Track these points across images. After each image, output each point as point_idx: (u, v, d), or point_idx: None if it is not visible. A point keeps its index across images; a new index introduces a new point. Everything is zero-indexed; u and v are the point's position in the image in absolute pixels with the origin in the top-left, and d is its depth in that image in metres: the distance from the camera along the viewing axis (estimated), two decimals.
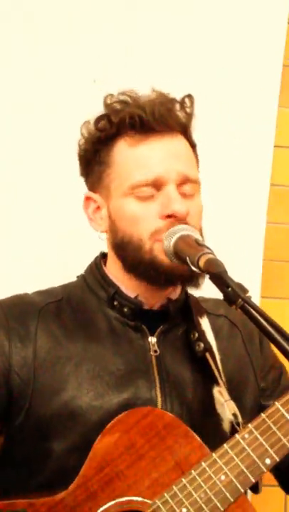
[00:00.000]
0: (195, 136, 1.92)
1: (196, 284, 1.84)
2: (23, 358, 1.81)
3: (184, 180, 1.84)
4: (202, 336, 1.88)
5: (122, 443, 1.71)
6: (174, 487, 1.67)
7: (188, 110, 1.88)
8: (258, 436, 1.69)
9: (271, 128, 2.50)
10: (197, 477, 1.67)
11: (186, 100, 1.88)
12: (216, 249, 1.75)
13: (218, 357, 1.88)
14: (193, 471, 1.68)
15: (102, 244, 1.94)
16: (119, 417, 1.72)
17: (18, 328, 1.83)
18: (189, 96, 1.89)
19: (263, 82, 2.51)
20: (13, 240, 2.39)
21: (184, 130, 1.88)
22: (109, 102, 1.88)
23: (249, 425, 1.70)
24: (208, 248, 1.73)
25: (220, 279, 1.65)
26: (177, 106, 1.87)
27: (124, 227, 1.84)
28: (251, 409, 1.88)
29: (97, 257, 1.96)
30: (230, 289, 1.64)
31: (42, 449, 1.77)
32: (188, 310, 1.91)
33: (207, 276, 1.72)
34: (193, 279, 1.83)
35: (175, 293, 1.91)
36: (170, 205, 1.80)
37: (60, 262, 2.35)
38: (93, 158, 1.88)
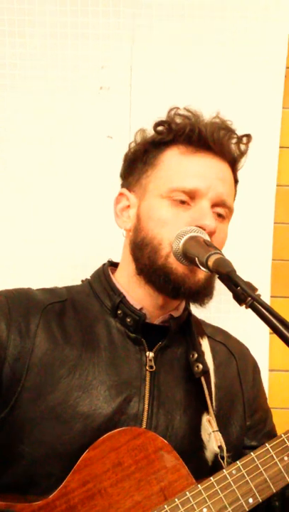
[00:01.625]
0: None
1: (202, 302, 1.85)
2: (18, 353, 1.78)
3: (220, 203, 1.86)
4: (202, 358, 1.87)
5: (110, 460, 1.69)
6: None
7: (242, 148, 1.91)
8: (245, 474, 1.70)
9: (276, 129, 2.53)
10: (180, 506, 1.67)
11: (244, 139, 1.91)
12: (224, 251, 1.77)
13: (213, 381, 1.88)
14: (176, 499, 1.68)
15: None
16: (111, 433, 1.71)
17: (20, 322, 1.80)
18: (248, 135, 1.92)
19: (267, 84, 2.53)
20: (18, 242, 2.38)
21: (233, 163, 1.90)
22: (172, 113, 1.89)
23: (238, 462, 1.71)
24: (217, 248, 1.74)
25: (229, 278, 1.66)
26: (234, 139, 1.90)
27: (149, 227, 1.84)
28: (236, 440, 1.89)
29: (104, 264, 1.93)
30: (239, 288, 1.65)
31: (17, 449, 1.74)
32: (189, 329, 1.90)
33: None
34: (199, 296, 1.83)
35: (178, 311, 1.90)
36: (202, 218, 1.81)
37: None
38: (140, 158, 1.89)
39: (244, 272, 1.67)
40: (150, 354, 1.85)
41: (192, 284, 1.80)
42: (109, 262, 1.95)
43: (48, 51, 2.38)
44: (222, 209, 1.86)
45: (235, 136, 1.90)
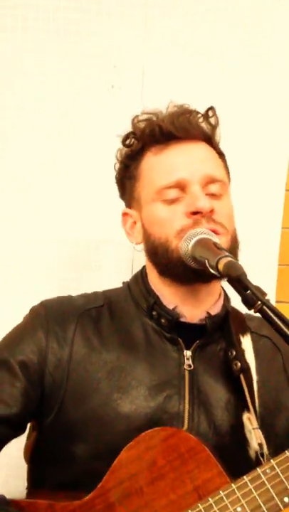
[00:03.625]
0: None
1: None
2: (58, 360, 1.84)
3: (210, 181, 1.86)
4: (240, 355, 1.86)
5: (145, 460, 1.73)
6: (189, 511, 1.69)
7: (211, 121, 1.91)
8: (280, 473, 1.69)
9: (286, 133, 2.46)
10: (213, 505, 1.69)
11: (209, 112, 1.92)
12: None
13: (255, 378, 1.87)
14: (210, 499, 1.69)
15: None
16: (145, 434, 1.74)
17: (57, 330, 1.86)
18: (211, 108, 1.92)
19: (279, 82, 2.46)
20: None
21: (208, 139, 1.91)
22: (135, 121, 1.93)
23: (272, 460, 1.70)
24: (226, 251, 1.73)
25: (239, 282, 1.64)
26: (200, 118, 1.91)
27: (154, 231, 1.87)
28: (284, 438, 1.86)
29: (143, 266, 1.96)
30: (249, 291, 1.63)
31: (68, 451, 1.82)
32: (228, 327, 1.89)
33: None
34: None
35: (215, 308, 1.90)
36: (194, 203, 1.82)
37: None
38: (125, 175, 1.95)
39: (250, 277, 1.65)
40: (188, 353, 1.86)
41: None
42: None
43: (60, 49, 2.39)
44: (214, 185, 1.86)
45: (198, 114, 1.90)
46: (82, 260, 2.38)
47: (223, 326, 1.90)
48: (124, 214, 1.96)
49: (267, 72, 2.44)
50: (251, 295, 1.62)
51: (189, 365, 1.85)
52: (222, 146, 1.95)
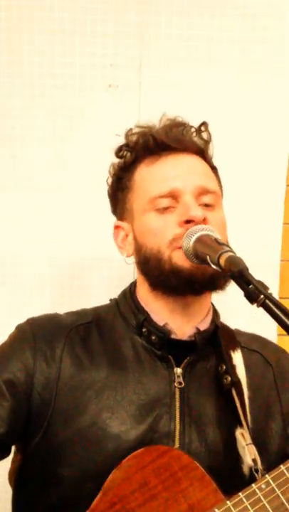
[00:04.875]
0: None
1: (220, 287, 1.82)
2: (46, 379, 1.79)
3: (202, 191, 1.85)
4: (230, 369, 1.83)
5: (136, 480, 1.68)
6: None
7: (204, 136, 1.91)
8: (275, 488, 1.65)
9: (286, 129, 2.47)
10: None
11: (202, 127, 1.92)
12: None
13: (246, 394, 1.84)
14: None
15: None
16: (136, 453, 1.70)
17: (45, 349, 1.82)
18: (204, 123, 1.92)
19: (278, 83, 2.46)
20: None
21: (201, 153, 1.90)
22: (129, 134, 1.93)
23: (267, 476, 1.66)
24: (228, 246, 1.71)
25: (241, 276, 1.62)
26: (193, 132, 1.91)
27: (146, 241, 1.85)
28: (276, 453, 1.83)
29: (132, 283, 1.93)
30: (251, 286, 1.60)
31: (55, 473, 1.76)
32: (217, 342, 1.86)
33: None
34: (215, 283, 1.81)
35: (204, 323, 1.86)
36: (187, 211, 1.81)
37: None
38: (117, 187, 1.93)
39: (252, 273, 1.63)
40: (178, 370, 1.82)
41: (203, 273, 1.78)
42: (136, 280, 1.94)
43: (56, 48, 2.38)
44: (207, 196, 1.85)
45: (191, 128, 1.90)
46: (83, 260, 2.38)
47: (213, 342, 1.86)
48: (116, 227, 1.93)
49: (266, 71, 2.44)
50: (254, 289, 1.59)
51: (180, 383, 1.81)
52: (223, 144, 1.96)
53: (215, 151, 1.94)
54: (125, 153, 1.91)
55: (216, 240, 1.73)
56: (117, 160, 1.93)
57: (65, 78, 2.38)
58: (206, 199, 1.84)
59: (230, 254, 1.66)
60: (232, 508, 1.65)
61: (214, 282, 1.80)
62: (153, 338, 1.82)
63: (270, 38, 2.44)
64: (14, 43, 2.35)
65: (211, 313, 1.89)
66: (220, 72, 2.43)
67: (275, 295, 2.27)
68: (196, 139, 1.90)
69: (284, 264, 2.48)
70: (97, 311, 1.92)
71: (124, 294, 1.92)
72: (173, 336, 1.83)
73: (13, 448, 1.87)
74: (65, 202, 2.38)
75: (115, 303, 1.92)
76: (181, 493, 1.67)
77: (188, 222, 1.80)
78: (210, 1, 2.41)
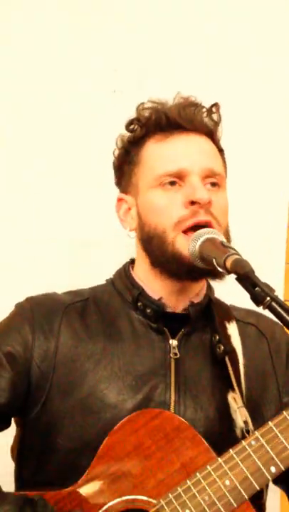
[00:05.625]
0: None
1: (220, 276, 1.86)
2: (44, 352, 1.86)
3: (209, 174, 1.89)
4: (224, 339, 1.89)
5: (130, 442, 1.74)
6: (178, 488, 1.70)
7: (214, 117, 1.94)
8: (264, 443, 1.70)
9: None
10: (202, 480, 1.70)
11: (213, 108, 1.95)
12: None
13: (241, 362, 1.89)
14: (198, 474, 1.70)
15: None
16: (129, 417, 1.76)
17: (43, 323, 1.88)
18: (216, 104, 1.95)
19: (282, 84, 2.53)
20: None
21: (210, 134, 1.94)
22: (140, 108, 1.96)
23: (256, 432, 1.71)
24: (233, 249, 1.74)
25: (247, 279, 1.66)
26: (204, 112, 1.93)
27: (150, 219, 1.89)
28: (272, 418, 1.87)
29: (126, 262, 2.00)
30: (257, 288, 1.65)
31: (53, 443, 1.82)
32: (210, 314, 1.92)
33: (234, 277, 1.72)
34: (215, 272, 1.83)
35: (198, 297, 1.93)
36: (193, 193, 1.85)
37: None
38: (124, 160, 1.96)
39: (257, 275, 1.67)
40: (174, 342, 1.88)
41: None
42: (131, 259, 2.01)
43: (61, 53, 2.46)
44: (213, 179, 1.89)
45: (203, 108, 1.94)
46: (83, 260, 2.44)
47: (207, 314, 1.92)
48: (119, 199, 1.98)
49: (271, 71, 2.51)
50: (260, 291, 1.63)
51: (175, 354, 1.87)
52: (227, 146, 1.99)
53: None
54: (136, 127, 1.94)
55: (221, 242, 1.77)
56: (124, 132, 1.96)
57: (69, 83, 2.45)
58: (212, 181, 1.88)
59: (237, 256, 1.70)
60: (223, 465, 1.70)
61: (214, 272, 1.83)
62: (148, 311, 1.89)
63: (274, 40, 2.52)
64: (19, 46, 2.44)
65: (204, 287, 1.95)
66: (224, 78, 2.49)
67: (280, 297, 2.36)
68: (206, 119, 1.93)
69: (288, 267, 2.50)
70: (93, 290, 1.98)
71: (118, 273, 1.99)
72: (168, 309, 1.90)
73: (14, 426, 1.93)
74: (68, 204, 2.45)
75: (111, 282, 1.99)
76: (174, 453, 1.73)
77: (193, 203, 1.84)
78: (215, 6, 2.49)
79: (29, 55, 2.47)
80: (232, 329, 1.93)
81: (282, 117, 2.52)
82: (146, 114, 1.93)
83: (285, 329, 1.93)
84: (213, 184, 1.88)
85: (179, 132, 1.90)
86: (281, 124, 2.52)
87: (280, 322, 1.66)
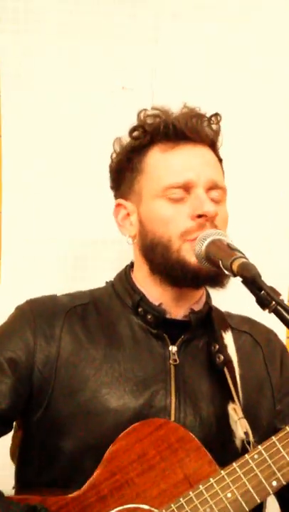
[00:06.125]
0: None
1: (222, 285, 1.89)
2: (46, 357, 1.87)
3: (213, 186, 1.91)
4: (223, 349, 1.91)
5: (135, 452, 1.76)
6: (181, 499, 1.73)
7: (214, 127, 1.96)
8: (267, 458, 1.73)
9: None
10: (204, 492, 1.73)
11: (213, 119, 1.97)
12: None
13: (237, 371, 1.92)
14: (201, 486, 1.73)
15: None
16: (134, 426, 1.78)
17: (44, 327, 1.89)
18: (216, 114, 1.97)
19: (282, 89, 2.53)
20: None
21: (212, 144, 1.96)
22: (142, 115, 1.96)
23: (259, 447, 1.75)
24: (240, 252, 1.76)
25: (254, 282, 1.67)
26: (205, 121, 1.95)
27: (155, 228, 1.89)
28: (267, 428, 1.91)
29: (127, 265, 2.00)
30: (263, 292, 1.66)
31: (56, 447, 1.84)
32: (210, 322, 1.94)
33: (239, 280, 1.73)
34: (218, 279, 1.87)
35: (198, 305, 1.95)
36: (201, 206, 1.86)
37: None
38: (126, 167, 1.95)
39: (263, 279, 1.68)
40: (173, 348, 1.90)
41: (209, 270, 1.84)
42: (131, 262, 2.01)
43: (70, 51, 2.44)
44: (215, 191, 1.91)
45: (206, 119, 1.95)
46: (81, 259, 2.43)
47: (206, 322, 1.94)
48: (118, 205, 1.98)
49: (271, 71, 2.49)
50: (266, 295, 1.65)
51: (175, 360, 1.89)
52: (227, 147, 2.00)
53: (227, 159, 1.99)
54: (140, 134, 1.93)
55: (228, 245, 1.78)
56: (120, 136, 1.96)
57: (79, 80, 2.43)
58: (215, 194, 1.90)
59: (244, 260, 1.71)
60: (226, 477, 1.73)
61: (217, 280, 1.86)
62: (149, 317, 1.90)
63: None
64: (29, 43, 2.41)
65: (204, 294, 1.97)
66: (234, 76, 2.48)
67: (285, 301, 2.37)
68: (207, 129, 1.95)
69: None
70: (93, 293, 1.99)
71: (119, 276, 1.99)
72: (168, 316, 1.91)
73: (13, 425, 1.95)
74: (77, 203, 2.44)
75: (111, 285, 1.99)
76: (178, 464, 1.76)
77: (200, 216, 1.85)
78: (223, 7, 2.46)
79: (37, 54, 2.45)
80: (228, 338, 1.96)
81: (282, 117, 2.51)
82: (151, 121, 1.94)
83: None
84: (215, 200, 1.89)
85: (184, 143, 1.91)
86: (281, 124, 2.52)
87: (285, 326, 1.67)
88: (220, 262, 1.75)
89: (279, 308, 1.65)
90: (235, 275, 1.72)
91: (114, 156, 1.99)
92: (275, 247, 2.50)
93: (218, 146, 1.98)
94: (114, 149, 1.98)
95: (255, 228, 2.45)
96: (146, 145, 1.93)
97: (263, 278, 1.68)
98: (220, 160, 1.99)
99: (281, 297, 1.67)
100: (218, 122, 1.96)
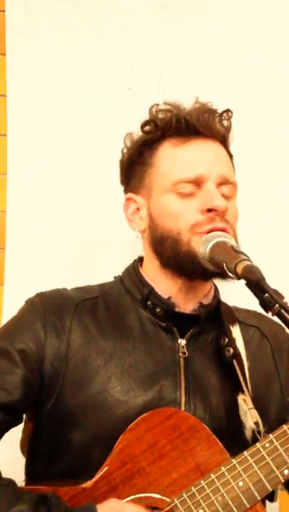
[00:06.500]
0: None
1: (230, 278, 1.87)
2: (56, 349, 1.87)
3: (223, 182, 1.91)
4: (232, 342, 1.91)
5: (146, 441, 1.76)
6: (192, 488, 1.73)
7: (225, 123, 1.97)
8: (278, 446, 1.73)
9: None
10: (216, 480, 1.73)
11: (225, 114, 1.97)
12: None
13: (246, 365, 1.92)
14: (212, 474, 1.73)
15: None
16: (145, 416, 1.78)
17: (55, 320, 1.89)
18: (228, 110, 1.97)
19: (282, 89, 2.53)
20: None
21: (224, 140, 1.97)
22: (154, 109, 1.97)
23: (270, 435, 1.75)
24: (244, 255, 1.76)
25: (258, 285, 1.68)
26: (217, 118, 1.96)
27: (165, 223, 1.90)
28: (275, 420, 1.91)
29: (135, 260, 2.01)
30: (266, 295, 1.67)
31: (66, 439, 1.84)
32: (219, 316, 1.95)
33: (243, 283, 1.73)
34: (225, 274, 1.85)
35: (207, 298, 1.96)
36: (211, 201, 1.87)
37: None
38: (137, 161, 1.96)
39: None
40: (182, 341, 1.90)
41: (213, 269, 1.84)
42: (139, 257, 2.02)
43: (76, 51, 2.45)
44: (226, 187, 1.91)
45: (217, 114, 1.96)
46: (82, 259, 2.44)
47: (215, 316, 1.95)
48: (128, 199, 1.98)
49: (271, 71, 2.50)
50: (269, 298, 1.66)
51: (184, 353, 1.89)
52: (231, 149, 2.00)
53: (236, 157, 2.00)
54: (152, 129, 1.94)
55: (232, 247, 1.79)
56: (132, 131, 1.97)
57: (85, 81, 2.44)
58: (225, 189, 1.91)
59: (248, 263, 1.72)
60: (237, 466, 1.73)
61: (226, 272, 1.84)
62: (158, 310, 1.90)
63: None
64: (34, 44, 2.42)
65: (212, 288, 1.98)
66: (240, 76, 2.49)
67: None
68: (218, 125, 1.95)
69: None
70: (102, 287, 1.99)
71: (127, 270, 2.00)
72: (177, 309, 1.92)
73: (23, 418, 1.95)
74: (84, 203, 2.44)
75: (119, 279, 2.00)
76: (189, 452, 1.76)
77: (210, 210, 1.86)
78: (229, 7, 2.47)
79: (42, 55, 2.46)
80: (236, 332, 1.96)
81: (282, 117, 2.53)
82: (163, 116, 1.94)
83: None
84: (226, 195, 1.90)
85: (196, 138, 1.92)
86: (281, 124, 2.53)
87: (288, 329, 1.69)
88: (224, 265, 1.76)
89: (282, 311, 1.67)
90: (239, 278, 1.73)
91: (125, 150, 1.99)
92: (275, 247, 2.51)
93: (229, 142, 1.98)
94: (125, 144, 1.99)
95: (255, 228, 2.46)
96: (157, 139, 1.93)
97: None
98: (230, 156, 1.99)
99: (284, 300, 1.68)
100: (229, 118, 1.97)
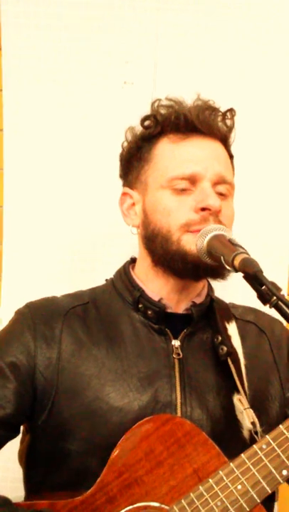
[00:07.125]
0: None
1: (223, 276, 1.87)
2: (47, 359, 1.85)
3: (220, 181, 1.88)
4: (226, 340, 1.89)
5: (142, 449, 1.74)
6: (191, 494, 1.70)
7: (228, 123, 1.93)
8: (276, 447, 1.70)
9: None
10: (214, 485, 1.70)
11: (228, 114, 1.94)
12: None
13: (242, 362, 1.90)
14: (210, 480, 1.70)
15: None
16: (140, 423, 1.76)
17: (44, 330, 1.87)
18: (231, 110, 1.94)
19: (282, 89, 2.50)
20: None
21: (224, 140, 1.93)
22: (156, 104, 1.94)
23: (267, 436, 1.72)
24: (242, 248, 1.74)
25: (255, 278, 1.66)
26: (220, 117, 1.92)
27: (157, 219, 1.87)
28: (276, 416, 1.89)
29: (126, 261, 1.99)
30: (264, 287, 1.65)
31: (63, 449, 1.82)
32: (213, 314, 1.92)
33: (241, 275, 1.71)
34: (219, 271, 1.85)
35: (200, 297, 1.93)
36: (205, 199, 1.84)
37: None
38: (135, 155, 1.94)
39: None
40: (176, 342, 1.88)
41: (211, 262, 1.81)
42: (131, 259, 2.00)
43: (71, 45, 2.43)
44: (223, 186, 1.88)
45: (220, 113, 1.92)
46: (82, 260, 2.43)
47: (208, 315, 1.92)
48: (124, 194, 1.96)
49: (271, 71, 2.47)
50: (267, 291, 1.64)
51: (178, 354, 1.87)
52: (237, 141, 1.98)
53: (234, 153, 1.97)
54: (151, 124, 1.91)
55: (230, 240, 1.76)
56: (133, 125, 1.94)
57: (80, 75, 2.42)
58: (221, 189, 1.88)
59: (245, 255, 1.70)
60: (235, 470, 1.70)
61: (218, 271, 1.84)
62: (149, 312, 1.88)
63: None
64: (30, 38, 2.41)
65: (206, 287, 1.95)
66: (236, 70, 2.46)
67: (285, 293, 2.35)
68: (220, 124, 1.92)
69: None
70: (93, 291, 1.97)
71: (118, 273, 1.98)
72: (169, 310, 1.90)
73: (21, 429, 1.93)
74: (75, 198, 2.43)
75: (111, 282, 1.98)
76: (186, 458, 1.73)
77: (203, 209, 1.83)
78: (224, 1, 2.45)
79: (38, 48, 2.45)
80: (232, 329, 1.93)
81: (282, 117, 2.50)
82: (163, 111, 1.91)
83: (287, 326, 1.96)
84: (222, 194, 1.87)
85: (195, 135, 1.89)
86: (281, 124, 2.50)
87: (285, 321, 1.67)
88: (221, 258, 1.74)
89: (280, 303, 1.65)
90: (236, 271, 1.70)
91: (125, 144, 1.97)
92: (276, 247, 2.48)
93: (231, 142, 1.95)
94: (126, 138, 1.96)
95: (256, 228, 2.44)
96: (156, 135, 1.91)
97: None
98: (231, 156, 1.96)
99: (281, 292, 1.66)
100: (232, 117, 1.94)
